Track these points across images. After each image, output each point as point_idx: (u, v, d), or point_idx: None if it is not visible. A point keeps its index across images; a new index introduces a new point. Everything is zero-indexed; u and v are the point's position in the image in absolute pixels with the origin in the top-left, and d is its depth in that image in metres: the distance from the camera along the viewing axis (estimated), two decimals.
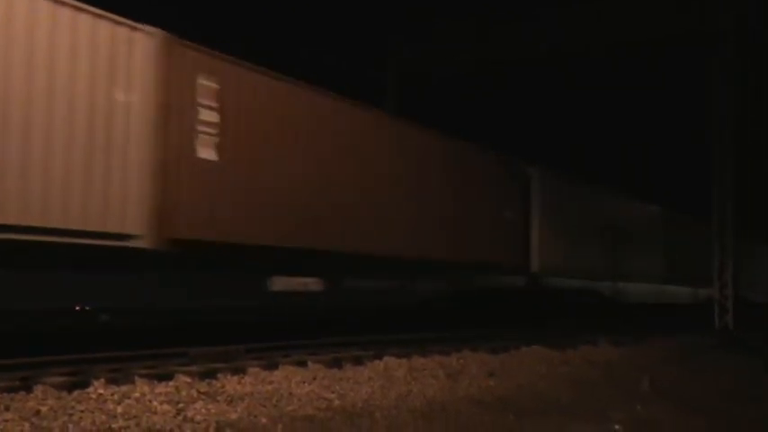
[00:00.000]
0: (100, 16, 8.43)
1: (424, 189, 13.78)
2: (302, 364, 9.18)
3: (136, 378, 7.42)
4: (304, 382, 8.05)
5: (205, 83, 9.56)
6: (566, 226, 18.21)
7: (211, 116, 9.61)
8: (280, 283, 10.77)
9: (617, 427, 6.94)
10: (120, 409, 6.26)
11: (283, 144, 10.81)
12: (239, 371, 8.30)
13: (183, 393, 7.00)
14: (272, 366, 8.80)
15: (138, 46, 8.83)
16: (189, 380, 7.59)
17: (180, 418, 6.22)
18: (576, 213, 18.85)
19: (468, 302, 15.65)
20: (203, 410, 6.47)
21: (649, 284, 23.69)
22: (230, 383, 7.64)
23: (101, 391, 6.79)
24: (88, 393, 6.69)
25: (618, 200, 22.08)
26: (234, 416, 6.40)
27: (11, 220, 7.51)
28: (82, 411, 6.09)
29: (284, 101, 10.87)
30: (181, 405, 6.55)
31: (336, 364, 9.41)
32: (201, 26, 15.38)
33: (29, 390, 6.62)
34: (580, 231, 18.92)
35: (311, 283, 11.37)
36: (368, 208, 12.35)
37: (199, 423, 6.09)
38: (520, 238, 16.80)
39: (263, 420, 6.33)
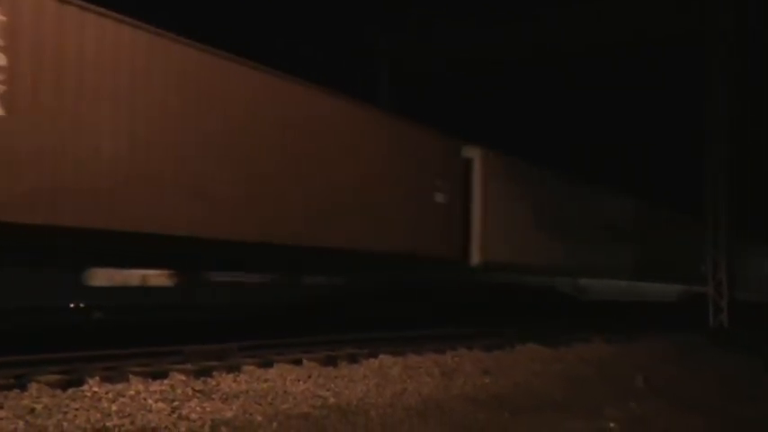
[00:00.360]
0: None
1: (323, 162, 11.65)
2: (297, 362, 9.16)
3: (130, 376, 7.43)
4: (299, 380, 8.05)
5: None
6: (517, 216, 16.30)
7: None
8: (102, 278, 8.75)
9: (612, 424, 6.95)
10: (114, 408, 6.26)
11: (124, 103, 8.80)
12: (234, 369, 8.30)
13: (178, 391, 7.00)
14: (266, 364, 8.79)
15: None
16: (184, 378, 7.59)
17: (175, 416, 6.22)
18: (530, 202, 16.90)
19: (365, 301, 13.96)
20: (198, 408, 6.47)
21: (622, 281, 22.25)
22: (225, 381, 7.64)
23: (95, 389, 6.78)
24: (83, 391, 6.68)
25: (585, 190, 20.35)
26: (229, 414, 6.40)
27: None
28: (76, 409, 6.09)
29: (133, 49, 8.89)
30: (176, 403, 6.55)
31: (331, 362, 9.38)
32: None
33: (23, 388, 6.63)
34: (535, 223, 16.99)
35: (153, 277, 9.26)
36: (241, 183, 10.22)
37: (194, 421, 6.09)
38: (457, 228, 14.77)
39: (259, 418, 6.33)
